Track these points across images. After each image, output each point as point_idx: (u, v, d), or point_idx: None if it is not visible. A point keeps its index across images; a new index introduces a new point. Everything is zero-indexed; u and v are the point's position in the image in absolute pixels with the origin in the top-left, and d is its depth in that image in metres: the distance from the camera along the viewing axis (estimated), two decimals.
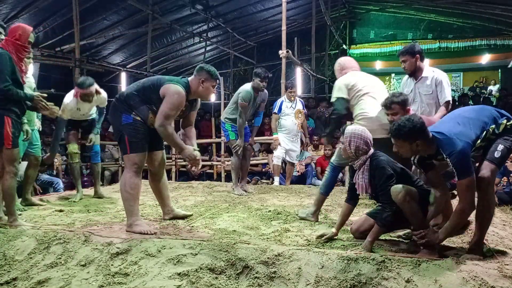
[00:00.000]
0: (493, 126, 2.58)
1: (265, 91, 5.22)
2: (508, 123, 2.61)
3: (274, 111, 6.33)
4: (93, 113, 4.80)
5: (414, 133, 2.49)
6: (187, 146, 3.24)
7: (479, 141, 2.55)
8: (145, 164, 3.36)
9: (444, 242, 2.90)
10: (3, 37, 4.02)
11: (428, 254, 2.56)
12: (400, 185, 2.66)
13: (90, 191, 5.24)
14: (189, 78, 3.31)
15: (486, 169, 2.53)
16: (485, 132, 2.56)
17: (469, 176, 2.43)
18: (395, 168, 2.84)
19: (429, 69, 3.95)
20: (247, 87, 5.06)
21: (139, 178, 3.25)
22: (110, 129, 10.15)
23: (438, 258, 2.49)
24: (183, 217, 3.60)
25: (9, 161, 3.30)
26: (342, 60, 4.05)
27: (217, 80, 3.35)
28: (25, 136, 3.73)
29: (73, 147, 4.67)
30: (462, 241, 2.98)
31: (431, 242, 2.59)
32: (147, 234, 2.99)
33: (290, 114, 6.26)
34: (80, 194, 4.73)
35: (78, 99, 4.51)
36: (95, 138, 4.80)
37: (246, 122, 5.24)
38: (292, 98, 6.23)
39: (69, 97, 4.56)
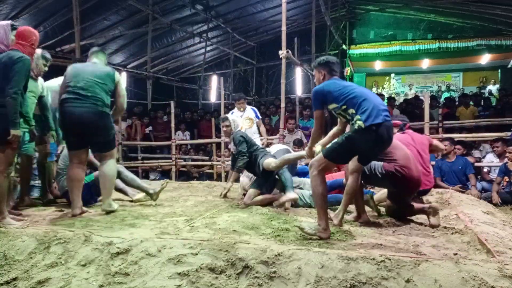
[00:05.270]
0: (353, 110, 3.00)
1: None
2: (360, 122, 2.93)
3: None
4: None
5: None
6: None
7: (338, 104, 3.09)
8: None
9: (444, 242, 2.90)
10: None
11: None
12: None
13: None
14: None
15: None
16: (343, 104, 3.05)
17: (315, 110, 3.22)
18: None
19: None
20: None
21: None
22: None
23: (438, 258, 2.49)
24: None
25: (6, 162, 3.32)
26: None
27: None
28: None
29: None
30: (462, 241, 2.98)
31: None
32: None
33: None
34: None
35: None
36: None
37: None
38: (242, 109, 6.88)
39: (51, 81, 4.44)
